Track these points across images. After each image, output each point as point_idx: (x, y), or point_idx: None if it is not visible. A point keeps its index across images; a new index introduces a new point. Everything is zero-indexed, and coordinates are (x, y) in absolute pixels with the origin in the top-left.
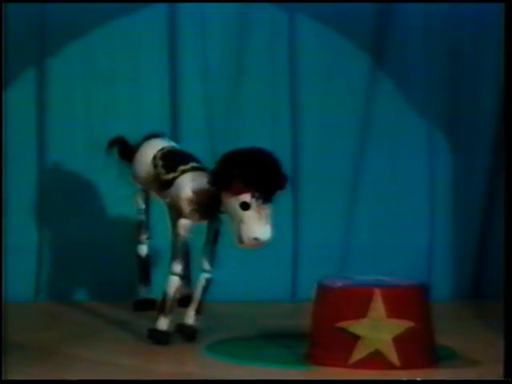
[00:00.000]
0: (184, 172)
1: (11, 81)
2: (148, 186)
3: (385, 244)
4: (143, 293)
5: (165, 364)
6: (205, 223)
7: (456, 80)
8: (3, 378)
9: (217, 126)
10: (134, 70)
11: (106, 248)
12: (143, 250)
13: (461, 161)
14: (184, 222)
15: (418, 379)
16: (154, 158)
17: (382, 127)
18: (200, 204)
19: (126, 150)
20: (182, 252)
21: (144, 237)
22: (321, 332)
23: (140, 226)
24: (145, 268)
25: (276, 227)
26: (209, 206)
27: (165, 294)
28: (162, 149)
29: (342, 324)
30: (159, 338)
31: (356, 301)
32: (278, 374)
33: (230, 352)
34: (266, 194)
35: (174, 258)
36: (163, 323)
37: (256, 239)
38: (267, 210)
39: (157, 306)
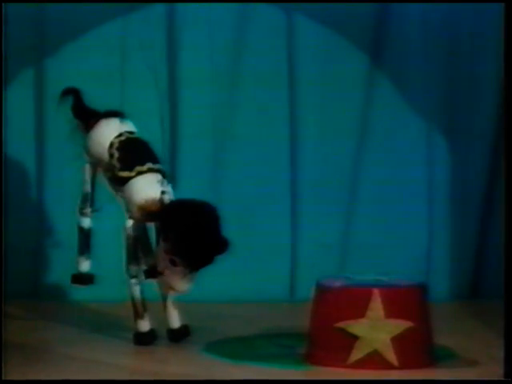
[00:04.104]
0: (139, 173)
1: (10, 81)
2: (99, 166)
3: (383, 244)
4: (82, 266)
5: (164, 364)
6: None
7: (455, 80)
8: (3, 378)
9: (215, 127)
10: (133, 71)
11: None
12: (86, 222)
13: (459, 161)
14: (132, 223)
15: (417, 379)
16: (111, 145)
17: (381, 128)
18: (151, 212)
19: (79, 108)
20: (133, 252)
21: (88, 210)
22: (319, 332)
23: (86, 199)
24: (86, 241)
25: (275, 227)
26: (159, 213)
27: (131, 298)
28: (120, 135)
29: (340, 324)
30: (145, 340)
31: (355, 301)
32: (277, 373)
33: (229, 352)
34: (194, 268)
35: (126, 261)
36: (143, 325)
37: (172, 289)
38: (194, 274)
39: (94, 281)
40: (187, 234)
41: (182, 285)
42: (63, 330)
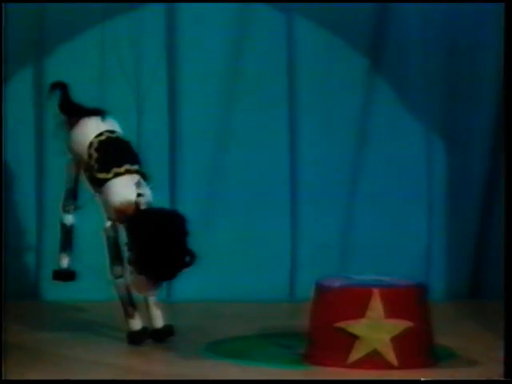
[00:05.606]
0: (117, 175)
1: (9, 80)
2: (80, 163)
3: (383, 244)
4: (64, 263)
5: (164, 364)
6: None
7: (455, 80)
8: (3, 378)
9: (215, 127)
10: (132, 71)
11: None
12: (69, 219)
13: (459, 161)
14: (110, 224)
15: (416, 379)
16: (90, 145)
17: (380, 129)
18: (126, 215)
19: (65, 103)
20: (115, 253)
21: (71, 207)
22: (319, 332)
23: (68, 195)
24: (68, 238)
25: (275, 227)
26: (129, 220)
27: (119, 299)
28: (100, 135)
29: (340, 324)
30: (138, 338)
31: (354, 301)
32: (277, 373)
33: (229, 352)
34: (155, 281)
35: (110, 262)
36: (134, 324)
37: (138, 292)
38: (158, 284)
39: (75, 278)
40: (148, 250)
41: (144, 291)
42: (63, 330)
